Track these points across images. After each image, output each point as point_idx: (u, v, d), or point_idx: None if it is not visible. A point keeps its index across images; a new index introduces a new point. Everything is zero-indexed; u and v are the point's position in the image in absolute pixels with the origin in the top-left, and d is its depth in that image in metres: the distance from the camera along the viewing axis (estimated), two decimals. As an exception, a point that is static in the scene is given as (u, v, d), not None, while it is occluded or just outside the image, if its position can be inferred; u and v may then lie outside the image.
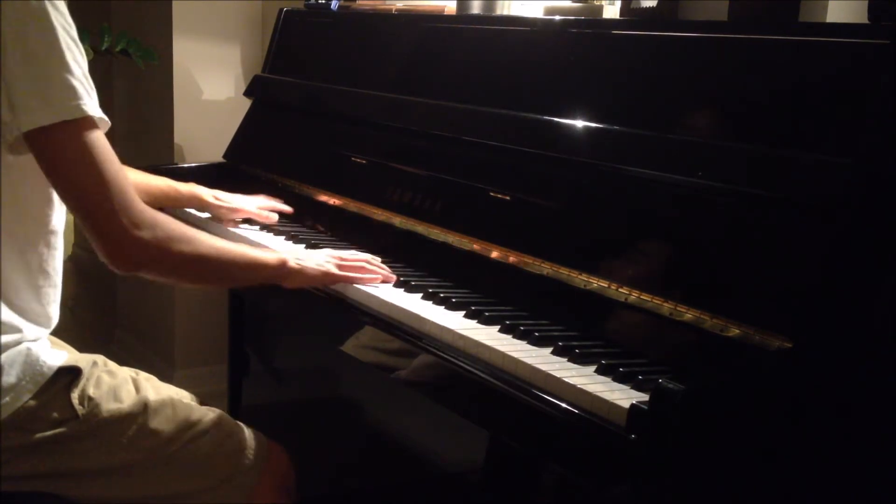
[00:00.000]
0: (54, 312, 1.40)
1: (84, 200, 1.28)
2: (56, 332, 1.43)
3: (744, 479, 1.09)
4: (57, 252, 1.39)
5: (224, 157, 2.34)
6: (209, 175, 2.21)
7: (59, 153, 1.26)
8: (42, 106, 1.22)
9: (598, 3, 1.94)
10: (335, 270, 1.56)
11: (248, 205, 1.95)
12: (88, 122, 1.25)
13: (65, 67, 1.23)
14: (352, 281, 1.56)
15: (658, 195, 1.37)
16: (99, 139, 1.27)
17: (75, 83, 1.24)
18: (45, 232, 1.36)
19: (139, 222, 1.29)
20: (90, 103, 1.25)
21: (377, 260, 1.62)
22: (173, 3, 2.80)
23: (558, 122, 1.54)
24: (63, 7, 1.25)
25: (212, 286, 1.66)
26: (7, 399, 1.29)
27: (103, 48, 2.69)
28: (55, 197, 1.36)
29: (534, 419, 1.19)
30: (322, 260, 1.57)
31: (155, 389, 1.44)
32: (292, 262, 1.52)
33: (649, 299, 1.30)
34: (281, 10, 2.41)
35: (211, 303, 2.89)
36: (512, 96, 1.67)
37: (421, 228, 1.71)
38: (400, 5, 2.32)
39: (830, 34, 1.29)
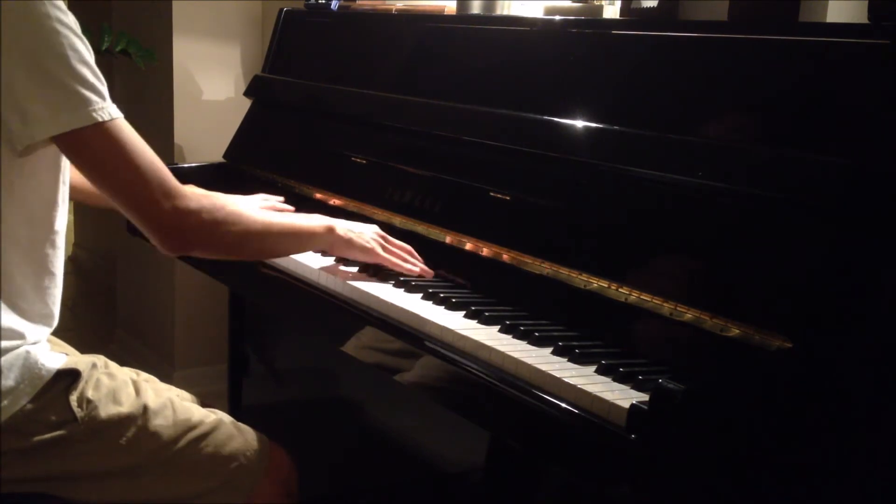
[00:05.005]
0: (57, 311, 1.41)
1: (125, 194, 1.29)
2: (56, 333, 1.43)
3: (744, 479, 1.09)
4: (60, 252, 1.39)
5: (224, 157, 2.33)
6: (209, 175, 2.21)
7: (88, 154, 1.26)
8: (52, 115, 1.22)
9: (598, 3, 1.94)
10: (380, 251, 1.59)
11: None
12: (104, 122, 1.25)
13: (71, 73, 1.23)
14: (392, 266, 1.59)
15: (658, 195, 1.37)
16: (122, 132, 1.27)
17: (82, 90, 1.23)
18: (50, 233, 1.36)
19: (184, 206, 1.31)
20: (100, 106, 1.24)
21: (415, 252, 1.64)
22: (173, 3, 2.80)
23: (558, 122, 1.54)
24: (61, 2, 1.24)
25: (260, 258, 1.68)
26: (5, 403, 1.29)
27: (103, 48, 2.69)
28: (59, 198, 1.36)
29: (534, 419, 1.19)
30: (370, 236, 1.60)
31: (155, 391, 1.44)
32: (340, 231, 1.57)
33: (649, 299, 1.30)
34: (281, 10, 2.41)
35: (211, 303, 2.90)
36: (512, 96, 1.67)
37: (421, 228, 1.71)
38: (400, 5, 2.32)
39: (830, 34, 1.29)
